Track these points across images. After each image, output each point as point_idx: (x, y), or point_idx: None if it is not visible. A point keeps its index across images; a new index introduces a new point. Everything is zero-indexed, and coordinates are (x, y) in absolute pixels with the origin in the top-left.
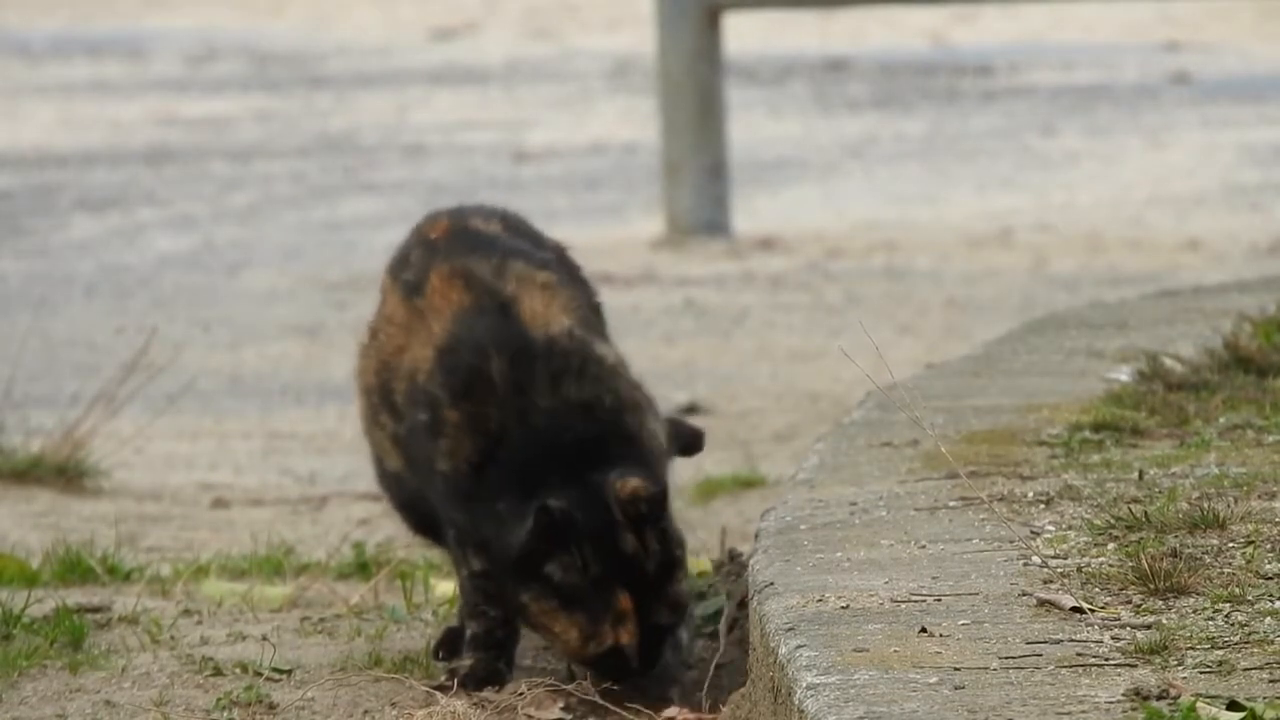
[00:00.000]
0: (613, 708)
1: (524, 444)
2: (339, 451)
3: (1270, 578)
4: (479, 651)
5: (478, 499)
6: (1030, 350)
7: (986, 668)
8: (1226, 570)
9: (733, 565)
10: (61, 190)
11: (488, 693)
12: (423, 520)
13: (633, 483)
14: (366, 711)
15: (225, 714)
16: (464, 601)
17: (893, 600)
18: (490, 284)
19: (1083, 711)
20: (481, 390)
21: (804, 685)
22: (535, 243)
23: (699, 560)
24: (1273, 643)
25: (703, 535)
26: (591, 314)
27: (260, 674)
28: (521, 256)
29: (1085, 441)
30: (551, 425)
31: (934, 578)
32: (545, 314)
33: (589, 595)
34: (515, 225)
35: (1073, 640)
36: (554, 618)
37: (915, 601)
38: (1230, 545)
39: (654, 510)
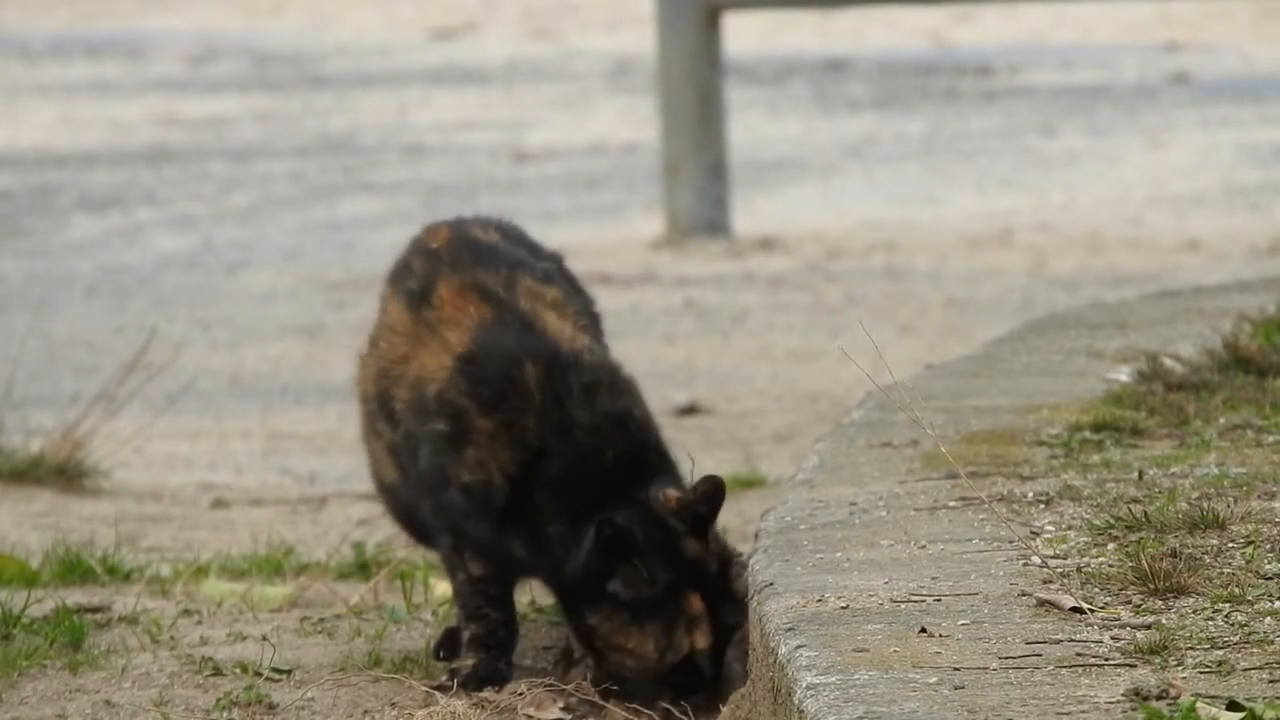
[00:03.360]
0: (613, 708)
1: (567, 458)
2: (339, 451)
3: (1270, 578)
4: (480, 652)
5: (510, 512)
6: (1030, 350)
7: (986, 668)
8: (1226, 570)
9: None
10: (61, 190)
11: (488, 693)
12: (423, 529)
13: (677, 493)
14: (366, 711)
15: (225, 714)
16: (461, 606)
17: (893, 600)
18: (504, 299)
19: (1083, 711)
20: (518, 400)
21: (804, 685)
22: (533, 252)
23: None
24: (1273, 643)
25: None
26: (591, 324)
27: (260, 674)
28: (526, 270)
29: (1085, 441)
30: (593, 440)
31: (934, 578)
32: (565, 329)
33: (660, 604)
34: (512, 234)
35: (1073, 640)
36: (627, 633)
37: (915, 601)
38: (1230, 545)
39: (712, 508)
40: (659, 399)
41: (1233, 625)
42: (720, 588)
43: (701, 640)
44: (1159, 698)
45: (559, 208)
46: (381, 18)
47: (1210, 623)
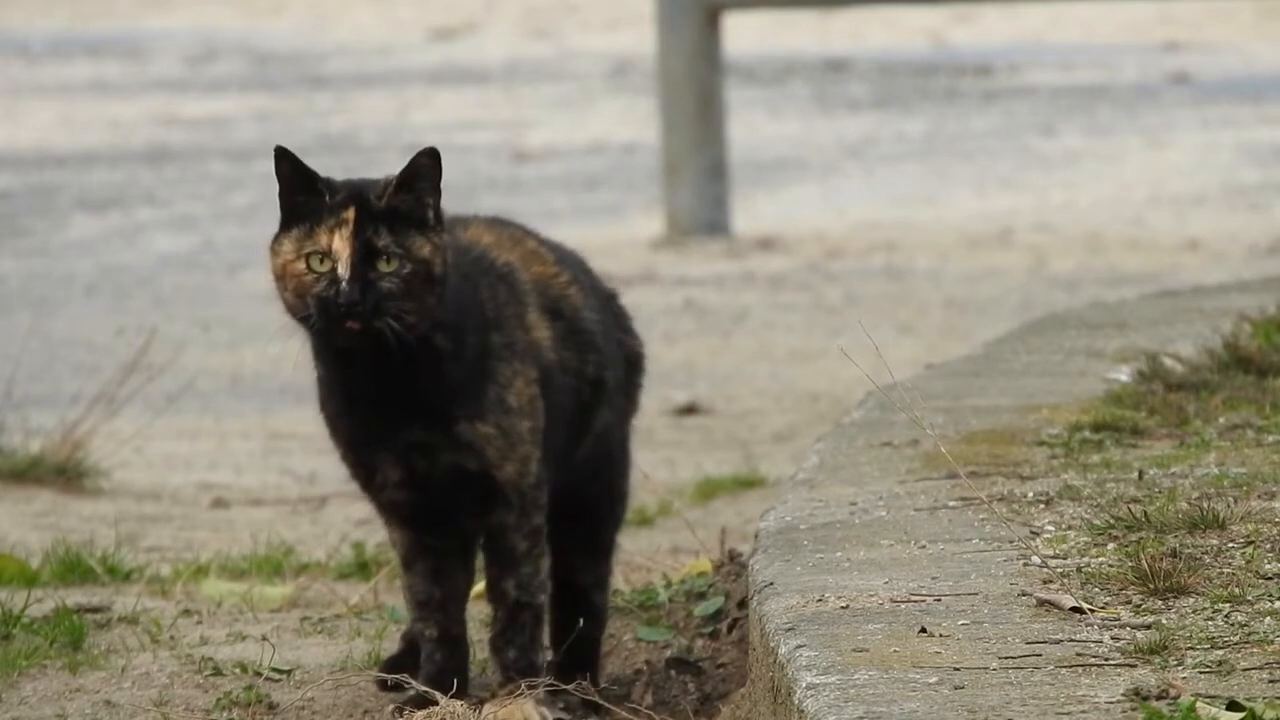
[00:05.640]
0: (613, 708)
1: None
2: None
3: (1270, 578)
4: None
5: None
6: (1030, 350)
7: (986, 668)
8: (1226, 570)
9: (733, 565)
10: (61, 190)
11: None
12: None
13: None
14: (366, 711)
15: (225, 714)
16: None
17: (893, 600)
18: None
19: (1083, 711)
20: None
21: (804, 685)
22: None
23: (699, 560)
24: (1272, 643)
25: (703, 535)
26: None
27: (260, 674)
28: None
29: (1085, 441)
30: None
31: (934, 578)
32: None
33: (320, 214)
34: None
35: (1073, 640)
36: (290, 242)
37: (915, 601)
38: (1230, 545)
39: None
40: (659, 399)
41: (1233, 625)
42: (386, 217)
43: (338, 241)
44: (1159, 698)
45: (559, 207)
46: (381, 18)
47: (1210, 623)
